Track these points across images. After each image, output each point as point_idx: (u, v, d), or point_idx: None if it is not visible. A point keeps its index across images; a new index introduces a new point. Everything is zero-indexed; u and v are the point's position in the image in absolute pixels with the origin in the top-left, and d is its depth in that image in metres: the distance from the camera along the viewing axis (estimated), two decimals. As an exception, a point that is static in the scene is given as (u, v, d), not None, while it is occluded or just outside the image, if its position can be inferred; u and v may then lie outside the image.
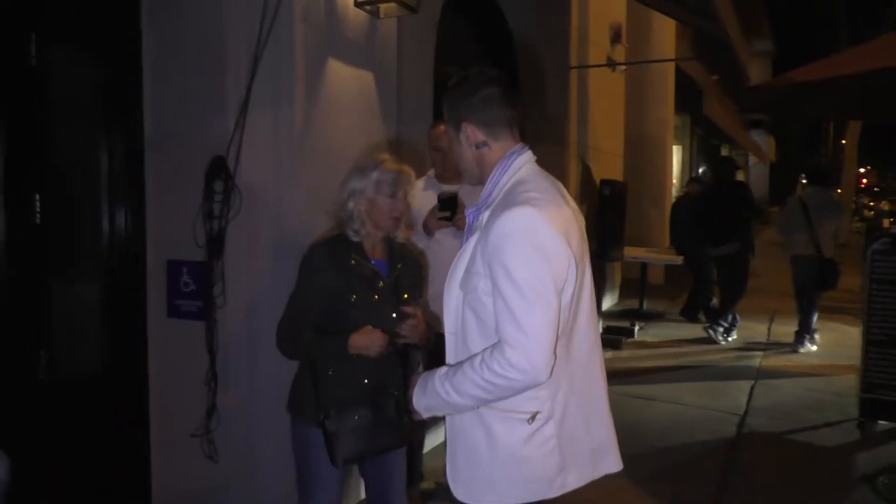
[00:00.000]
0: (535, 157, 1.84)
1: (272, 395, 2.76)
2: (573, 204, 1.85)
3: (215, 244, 2.88)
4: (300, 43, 2.92)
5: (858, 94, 5.35)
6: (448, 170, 3.26)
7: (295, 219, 2.95)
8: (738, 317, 7.36)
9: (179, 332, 2.98)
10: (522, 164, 1.79)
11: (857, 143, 22.07)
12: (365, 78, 3.31)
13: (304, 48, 2.94)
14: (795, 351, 6.82)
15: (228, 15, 2.82)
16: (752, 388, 5.67)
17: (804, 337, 6.88)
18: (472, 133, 1.80)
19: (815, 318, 6.96)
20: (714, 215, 7.16)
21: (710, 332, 7.23)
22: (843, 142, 23.41)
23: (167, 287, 3.00)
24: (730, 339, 7.25)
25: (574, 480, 1.78)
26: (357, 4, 3.20)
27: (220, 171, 2.86)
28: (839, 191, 19.50)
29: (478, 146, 1.81)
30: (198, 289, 2.94)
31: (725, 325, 7.27)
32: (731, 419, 4.92)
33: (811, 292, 6.81)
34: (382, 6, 3.28)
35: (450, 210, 3.07)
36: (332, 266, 2.33)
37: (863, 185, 49.75)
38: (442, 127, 3.06)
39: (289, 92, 2.91)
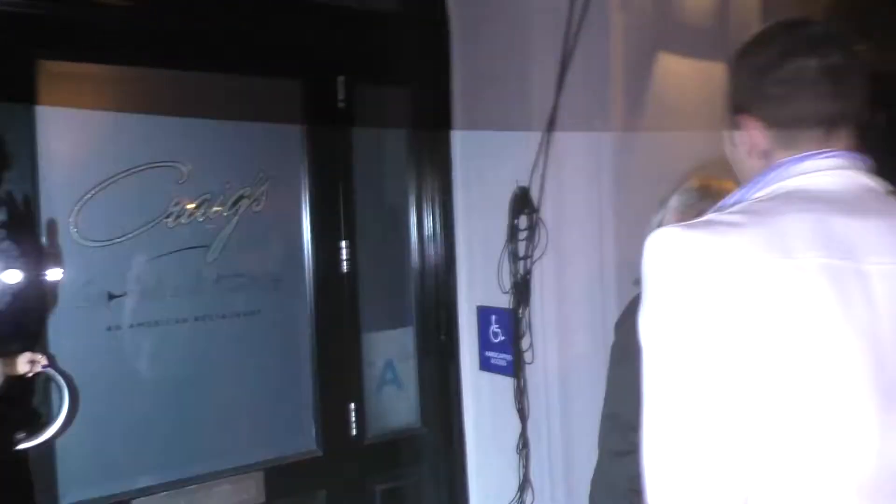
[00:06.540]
0: (848, 167, 0.95)
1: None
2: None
3: (520, 289, 2.50)
4: (617, 42, 2.36)
5: None
6: None
7: (611, 260, 2.39)
8: None
9: (492, 388, 2.65)
10: (801, 173, 0.96)
11: None
12: (713, 71, 2.56)
13: (624, 46, 2.38)
14: None
15: (531, 31, 2.43)
16: None
17: None
18: (752, 134, 1.04)
19: None
20: None
21: None
22: None
23: (478, 337, 2.71)
24: None
25: None
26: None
27: (523, 205, 2.47)
28: None
29: (760, 155, 1.02)
30: (506, 340, 2.58)
31: None
32: None
33: None
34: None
35: None
36: None
37: None
38: None
39: (602, 106, 2.38)
